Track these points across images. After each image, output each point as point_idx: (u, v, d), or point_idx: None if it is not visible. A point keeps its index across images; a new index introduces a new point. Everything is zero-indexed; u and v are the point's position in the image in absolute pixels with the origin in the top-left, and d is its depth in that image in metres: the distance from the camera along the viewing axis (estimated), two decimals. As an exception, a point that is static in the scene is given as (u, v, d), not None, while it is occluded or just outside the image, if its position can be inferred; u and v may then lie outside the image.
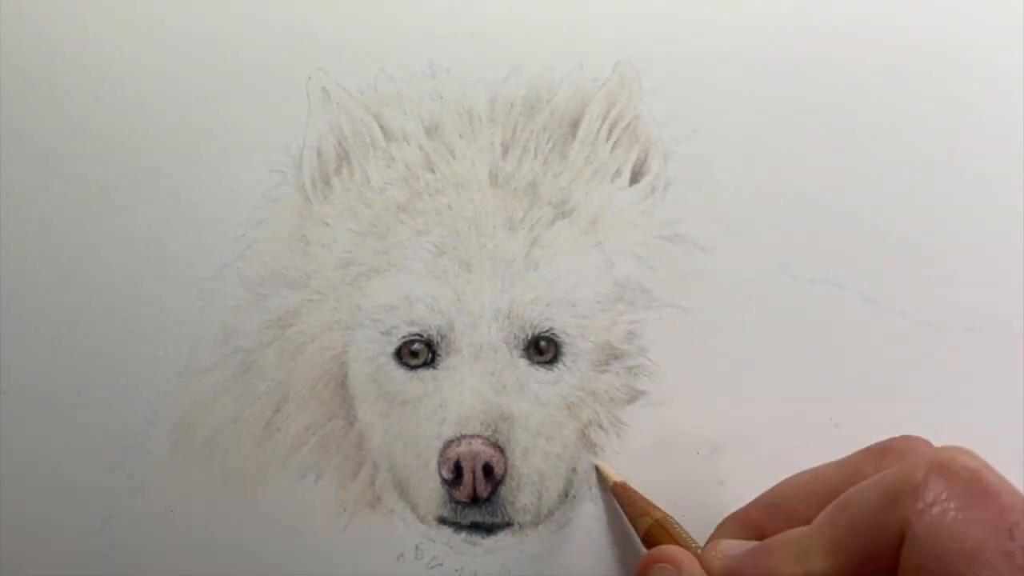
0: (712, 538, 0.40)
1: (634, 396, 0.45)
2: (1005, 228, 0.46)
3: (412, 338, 0.45)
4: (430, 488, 0.44)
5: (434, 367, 0.45)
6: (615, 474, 0.44)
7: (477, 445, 0.43)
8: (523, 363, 0.45)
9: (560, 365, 0.45)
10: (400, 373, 0.45)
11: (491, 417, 0.44)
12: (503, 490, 0.44)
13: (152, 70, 0.45)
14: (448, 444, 0.44)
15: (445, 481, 0.44)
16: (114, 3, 0.45)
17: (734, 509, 0.41)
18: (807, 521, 0.35)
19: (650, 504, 0.43)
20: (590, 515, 0.45)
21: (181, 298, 0.44)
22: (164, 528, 0.44)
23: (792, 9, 0.46)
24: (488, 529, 0.44)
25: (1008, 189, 0.46)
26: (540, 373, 0.45)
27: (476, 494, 0.43)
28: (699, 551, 0.39)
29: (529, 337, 0.45)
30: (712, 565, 0.37)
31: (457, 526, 0.44)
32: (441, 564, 0.44)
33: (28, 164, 0.44)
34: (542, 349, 0.45)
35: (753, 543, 0.37)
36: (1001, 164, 0.47)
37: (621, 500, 0.44)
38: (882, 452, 0.38)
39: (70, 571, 0.44)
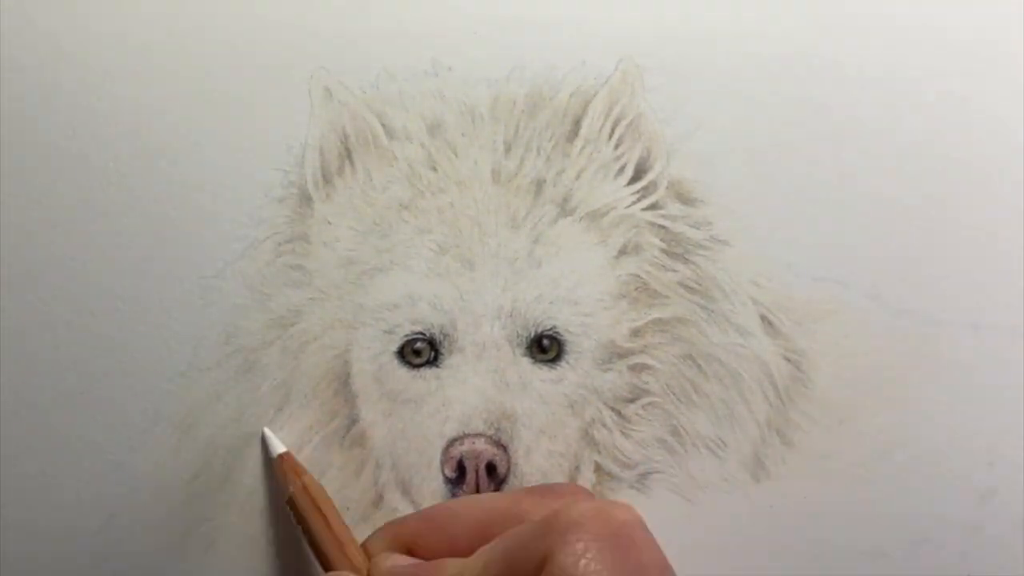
0: (372, 539, 0.41)
1: (637, 394, 0.45)
2: (1008, 224, 0.47)
3: (415, 336, 0.45)
4: (433, 487, 0.44)
5: (437, 366, 0.45)
6: (280, 445, 0.44)
7: (480, 444, 0.43)
8: (526, 361, 0.45)
9: (563, 363, 0.45)
10: (403, 372, 0.45)
11: (494, 416, 0.44)
12: (506, 489, 0.44)
13: (153, 69, 0.45)
14: (451, 443, 0.44)
15: (448, 480, 0.44)
16: (115, 2, 0.45)
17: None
18: (456, 538, 0.38)
19: (303, 471, 0.43)
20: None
21: (183, 297, 0.44)
22: (166, 529, 0.44)
23: (796, 6, 0.46)
24: (492, 528, 0.44)
25: (1010, 186, 0.47)
26: (543, 371, 0.45)
27: (479, 492, 0.43)
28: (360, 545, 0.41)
29: (532, 335, 0.45)
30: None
31: (461, 525, 0.44)
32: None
33: (28, 164, 0.44)
34: (545, 347, 0.45)
35: (415, 562, 0.39)
36: (1003, 161, 0.47)
37: (278, 470, 0.44)
38: (545, 491, 0.40)
39: (71, 571, 0.43)
